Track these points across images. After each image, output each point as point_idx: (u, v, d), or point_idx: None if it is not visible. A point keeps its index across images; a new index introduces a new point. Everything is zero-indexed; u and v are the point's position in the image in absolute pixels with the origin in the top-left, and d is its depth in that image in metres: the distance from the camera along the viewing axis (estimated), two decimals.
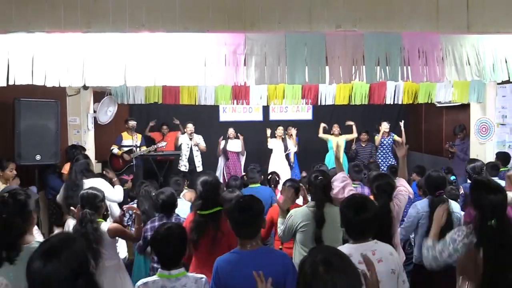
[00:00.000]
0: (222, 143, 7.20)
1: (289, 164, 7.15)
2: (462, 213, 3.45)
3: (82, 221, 2.72)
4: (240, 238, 2.05)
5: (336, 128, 7.30)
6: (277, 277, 1.85)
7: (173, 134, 7.36)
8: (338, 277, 1.21)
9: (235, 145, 7.22)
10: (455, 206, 3.22)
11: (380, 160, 6.99)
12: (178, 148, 7.00)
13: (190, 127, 6.85)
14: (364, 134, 7.44)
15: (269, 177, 5.05)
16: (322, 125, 7.34)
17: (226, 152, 7.18)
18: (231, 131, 7.24)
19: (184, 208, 3.70)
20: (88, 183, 3.58)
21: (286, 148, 7.05)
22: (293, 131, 7.46)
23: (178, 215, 3.25)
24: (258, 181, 4.32)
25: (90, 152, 6.08)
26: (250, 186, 4.30)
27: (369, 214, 2.06)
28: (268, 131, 7.21)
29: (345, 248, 2.03)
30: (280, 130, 7.16)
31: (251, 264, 1.91)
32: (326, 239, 2.60)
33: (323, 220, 2.62)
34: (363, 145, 7.42)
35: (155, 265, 3.04)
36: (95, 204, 2.81)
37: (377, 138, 7.18)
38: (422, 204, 3.13)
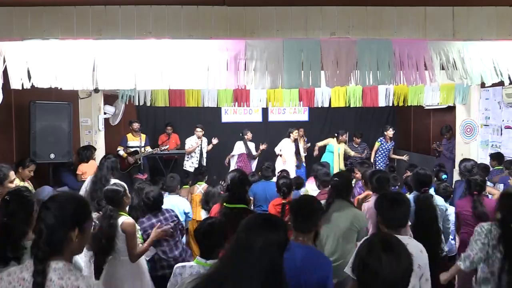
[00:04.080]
0: (240, 148, 7.05)
1: (296, 165, 7.03)
2: (451, 207, 3.49)
3: (103, 216, 2.74)
4: (295, 229, 2.06)
5: (344, 137, 7.02)
6: (319, 278, 1.86)
7: (177, 135, 7.38)
8: (392, 257, 1.17)
9: (252, 147, 7.16)
10: (439, 200, 3.28)
11: (378, 162, 6.92)
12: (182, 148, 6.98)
13: (198, 130, 6.75)
14: (356, 137, 7.33)
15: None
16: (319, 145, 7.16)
17: (249, 155, 7.01)
18: (248, 134, 7.07)
19: (178, 203, 3.73)
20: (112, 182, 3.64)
21: (298, 150, 6.91)
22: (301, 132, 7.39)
23: (169, 209, 3.27)
24: (271, 178, 4.38)
25: (101, 151, 6.09)
26: (263, 180, 4.35)
27: (404, 207, 2.11)
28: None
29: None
30: (296, 133, 6.91)
31: (298, 256, 1.87)
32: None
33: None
34: (355, 146, 7.38)
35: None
36: (117, 199, 2.79)
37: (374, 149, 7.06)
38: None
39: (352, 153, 7.17)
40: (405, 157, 7.04)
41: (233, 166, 7.03)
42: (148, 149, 6.54)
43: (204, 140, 6.94)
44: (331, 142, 7.12)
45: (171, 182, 4.05)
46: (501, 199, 2.38)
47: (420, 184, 3.07)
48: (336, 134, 7.11)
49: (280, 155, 6.92)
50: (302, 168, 7.28)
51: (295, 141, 6.99)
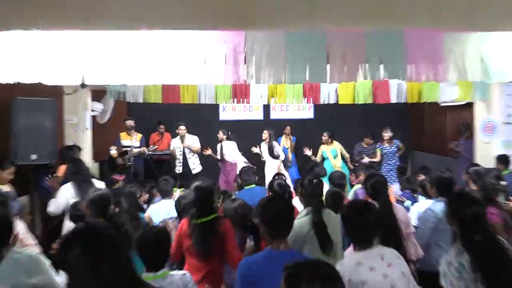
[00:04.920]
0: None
1: (286, 165, 7.07)
2: None
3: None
4: (272, 237, 2.04)
5: (327, 136, 7.06)
6: None
7: (170, 135, 7.33)
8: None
9: (230, 149, 7.06)
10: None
11: (384, 171, 6.78)
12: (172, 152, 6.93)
13: (182, 129, 6.70)
14: (368, 138, 7.28)
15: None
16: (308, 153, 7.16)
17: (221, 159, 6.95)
18: (220, 133, 6.96)
19: (173, 210, 3.72)
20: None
21: (271, 151, 6.87)
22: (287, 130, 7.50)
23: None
24: (253, 182, 4.29)
25: (87, 152, 6.11)
26: (245, 188, 4.25)
27: (372, 217, 2.06)
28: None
29: (353, 257, 2.03)
30: (265, 134, 6.97)
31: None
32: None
33: (325, 225, 2.58)
34: (365, 146, 7.34)
35: None
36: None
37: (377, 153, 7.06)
38: (438, 208, 3.06)
39: (347, 155, 7.18)
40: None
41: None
42: (137, 150, 6.51)
43: (194, 138, 6.84)
44: (321, 148, 7.15)
45: (164, 185, 4.03)
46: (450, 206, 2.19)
47: (446, 189, 3.04)
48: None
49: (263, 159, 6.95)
50: (293, 166, 7.32)
51: (269, 141, 6.96)
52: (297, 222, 2.64)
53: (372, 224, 2.06)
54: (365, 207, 2.12)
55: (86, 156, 5.90)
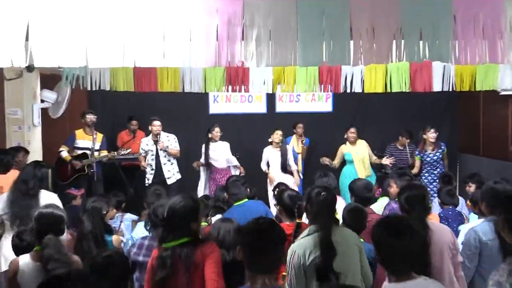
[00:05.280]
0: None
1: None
2: None
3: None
4: (251, 271, 2.10)
5: (353, 133, 7.06)
6: None
7: (144, 134, 7.30)
8: None
9: (219, 151, 7.04)
10: None
11: (423, 176, 6.86)
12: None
13: (156, 125, 6.65)
14: (403, 137, 7.29)
15: (274, 192, 5.02)
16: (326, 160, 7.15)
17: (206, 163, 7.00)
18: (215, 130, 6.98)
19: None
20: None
21: (284, 160, 6.84)
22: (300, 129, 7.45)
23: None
24: (244, 197, 4.35)
25: (36, 155, 6.07)
26: (235, 204, 4.29)
27: (415, 239, 2.12)
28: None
29: None
30: (279, 137, 6.92)
31: None
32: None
33: (333, 249, 2.62)
34: (400, 148, 7.35)
35: None
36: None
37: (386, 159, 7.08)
38: (483, 229, 3.13)
39: (374, 158, 7.16)
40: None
41: (202, 181, 6.98)
42: (104, 153, 6.49)
43: (170, 138, 6.78)
44: (343, 150, 7.13)
45: (155, 197, 4.05)
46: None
47: (500, 205, 3.00)
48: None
49: (267, 173, 6.94)
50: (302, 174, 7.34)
51: (281, 145, 6.89)
52: (295, 244, 2.74)
53: (415, 248, 2.11)
54: (404, 226, 2.16)
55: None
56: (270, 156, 6.94)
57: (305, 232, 2.81)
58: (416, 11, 3.63)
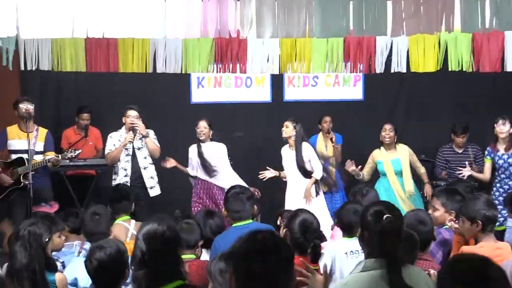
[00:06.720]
0: (193, 158, 6.88)
1: (317, 190, 6.76)
2: None
3: None
4: None
5: (388, 133, 6.84)
6: None
7: (98, 131, 7.27)
8: None
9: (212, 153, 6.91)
10: None
11: (499, 185, 6.79)
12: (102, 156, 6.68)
13: (132, 115, 6.51)
14: (462, 135, 7.27)
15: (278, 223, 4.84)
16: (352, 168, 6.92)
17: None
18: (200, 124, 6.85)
19: None
20: None
21: (301, 164, 6.61)
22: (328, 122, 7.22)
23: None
24: (248, 216, 4.30)
25: None
26: (234, 225, 4.28)
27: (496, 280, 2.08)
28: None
29: None
30: (289, 131, 6.69)
31: None
32: None
33: None
34: (458, 151, 7.35)
35: None
36: None
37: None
38: None
39: (422, 171, 7.04)
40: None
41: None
42: (50, 155, 6.31)
43: (150, 133, 6.76)
44: (375, 156, 7.03)
45: (94, 224, 4.20)
46: None
47: None
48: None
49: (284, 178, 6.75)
50: (340, 190, 7.26)
51: (296, 142, 6.72)
52: (351, 279, 2.71)
53: None
54: (481, 264, 2.08)
55: None
56: (285, 157, 6.75)
57: (359, 267, 2.71)
58: None
